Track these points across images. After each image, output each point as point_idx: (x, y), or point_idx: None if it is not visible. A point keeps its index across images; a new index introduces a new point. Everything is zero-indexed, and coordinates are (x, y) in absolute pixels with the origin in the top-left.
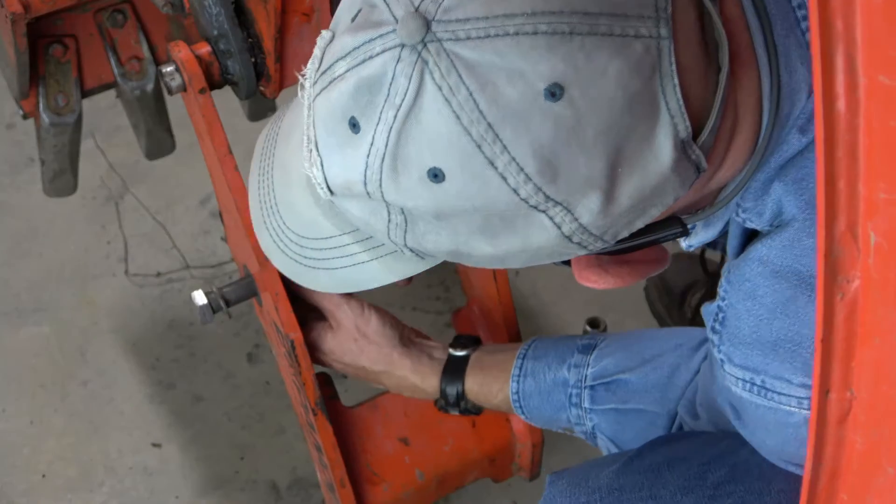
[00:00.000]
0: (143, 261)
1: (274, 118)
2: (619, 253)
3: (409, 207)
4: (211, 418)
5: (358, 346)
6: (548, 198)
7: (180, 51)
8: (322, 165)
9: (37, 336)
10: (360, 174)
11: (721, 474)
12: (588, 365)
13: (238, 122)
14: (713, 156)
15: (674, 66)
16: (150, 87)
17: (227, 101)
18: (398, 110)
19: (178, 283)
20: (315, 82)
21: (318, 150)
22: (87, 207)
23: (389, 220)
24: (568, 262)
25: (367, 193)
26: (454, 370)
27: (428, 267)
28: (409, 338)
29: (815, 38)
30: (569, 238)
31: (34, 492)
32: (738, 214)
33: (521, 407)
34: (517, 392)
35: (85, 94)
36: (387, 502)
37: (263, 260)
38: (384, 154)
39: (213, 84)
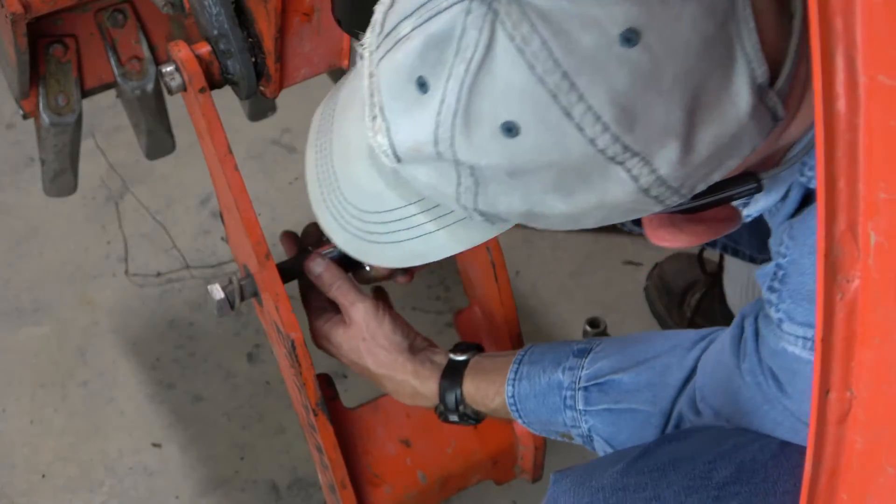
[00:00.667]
0: (143, 261)
1: (328, 96)
2: (693, 211)
3: (482, 165)
4: (211, 418)
5: (366, 346)
6: (625, 148)
7: (180, 50)
8: (388, 131)
9: (37, 336)
10: (431, 134)
11: (726, 474)
12: (582, 367)
13: (238, 122)
14: (787, 106)
15: (749, 10)
16: (150, 86)
17: (227, 101)
18: (469, 64)
19: (178, 283)
20: (377, 47)
21: (383, 116)
22: (87, 207)
23: (459, 184)
24: (639, 223)
25: (438, 154)
26: (453, 374)
27: (498, 233)
28: (417, 346)
29: (815, 37)
30: (646, 192)
31: (34, 492)
32: (802, 174)
33: (517, 410)
34: (513, 395)
35: (85, 94)
36: None
37: (263, 259)
38: (455, 110)
39: (213, 84)
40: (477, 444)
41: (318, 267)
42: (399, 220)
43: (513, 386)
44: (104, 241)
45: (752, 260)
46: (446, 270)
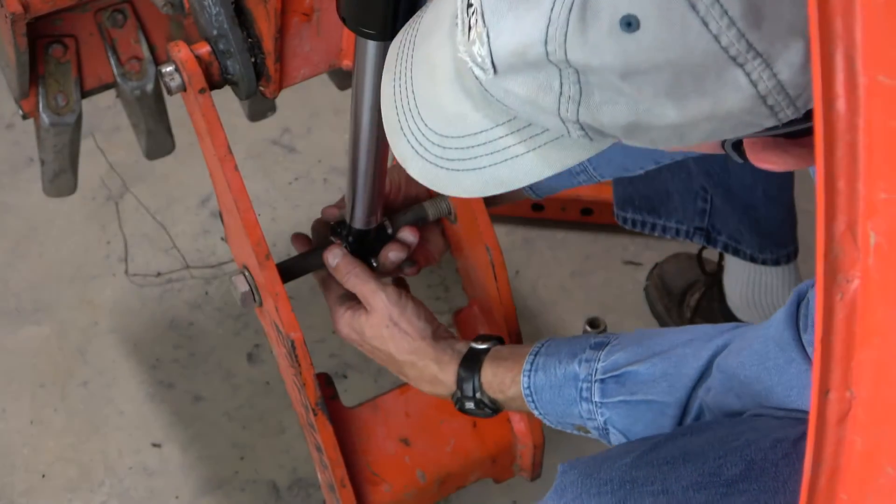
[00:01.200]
0: (143, 261)
1: (407, 25)
2: (797, 136)
3: (594, 67)
4: (211, 418)
5: (389, 332)
6: (749, 46)
7: (180, 51)
8: (488, 38)
9: (37, 336)
10: (541, 32)
11: (736, 472)
12: (599, 360)
13: (238, 122)
14: None
15: None
16: (150, 87)
17: (227, 101)
18: None
19: (178, 283)
20: None
21: (483, 21)
22: (87, 207)
23: (561, 93)
24: (739, 150)
25: (546, 55)
26: (472, 362)
27: (593, 153)
28: (440, 334)
29: (815, 37)
30: (763, 99)
31: (34, 492)
32: None
33: (533, 402)
34: (529, 386)
35: (85, 94)
36: (388, 503)
37: (263, 260)
38: (572, 5)
39: (212, 84)
40: (476, 443)
41: (335, 258)
42: (483, 143)
43: (529, 377)
44: (104, 241)
45: (753, 259)
46: (446, 270)
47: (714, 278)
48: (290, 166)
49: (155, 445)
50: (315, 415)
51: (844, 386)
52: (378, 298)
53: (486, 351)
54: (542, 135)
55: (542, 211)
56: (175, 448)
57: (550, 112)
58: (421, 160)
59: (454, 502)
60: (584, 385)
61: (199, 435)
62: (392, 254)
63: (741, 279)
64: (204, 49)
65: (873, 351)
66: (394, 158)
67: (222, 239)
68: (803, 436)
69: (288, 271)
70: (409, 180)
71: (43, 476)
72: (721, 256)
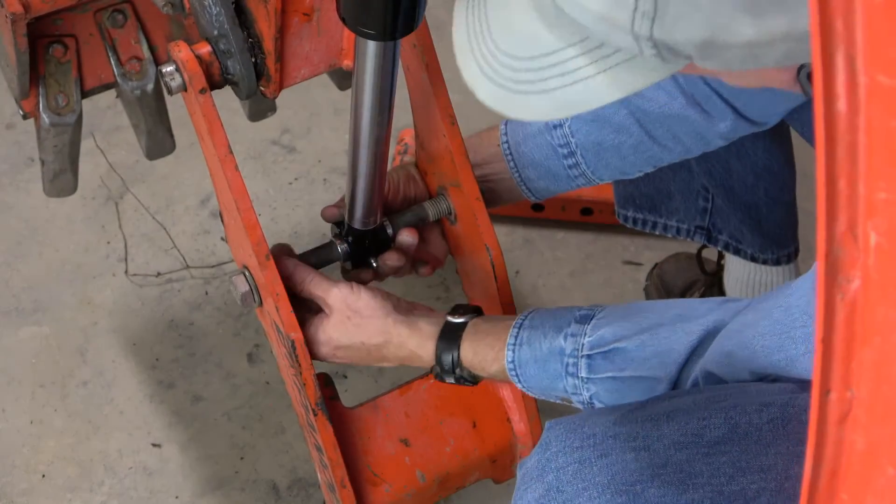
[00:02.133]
0: (143, 261)
1: None
2: None
3: None
4: (211, 418)
5: (353, 323)
6: None
7: (180, 51)
8: None
9: (37, 336)
10: None
11: (719, 434)
12: (585, 334)
13: (238, 122)
14: None
15: None
16: (150, 87)
17: (227, 101)
18: None
19: (178, 283)
20: None
21: None
22: (87, 207)
23: (636, 9)
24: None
25: None
26: (450, 337)
27: (664, 75)
28: (404, 307)
29: (815, 37)
30: None
31: (34, 492)
32: None
33: (517, 376)
34: (513, 361)
35: (85, 94)
36: (388, 503)
37: (263, 260)
38: None
39: (213, 84)
40: (476, 443)
41: (288, 267)
42: (554, 65)
43: (513, 351)
44: (104, 241)
45: (754, 259)
46: (446, 270)
47: (714, 278)
48: (290, 166)
49: (155, 445)
50: (315, 415)
51: (844, 386)
52: (332, 295)
53: (463, 325)
54: (613, 55)
55: (542, 211)
56: (175, 448)
57: (624, 29)
58: (490, 83)
59: (454, 503)
60: (570, 360)
61: (199, 435)
62: (391, 260)
63: (741, 279)
64: (204, 49)
65: (873, 351)
66: (394, 160)
67: (222, 239)
68: (792, 401)
69: None
70: (408, 181)
71: (43, 476)
72: (720, 256)
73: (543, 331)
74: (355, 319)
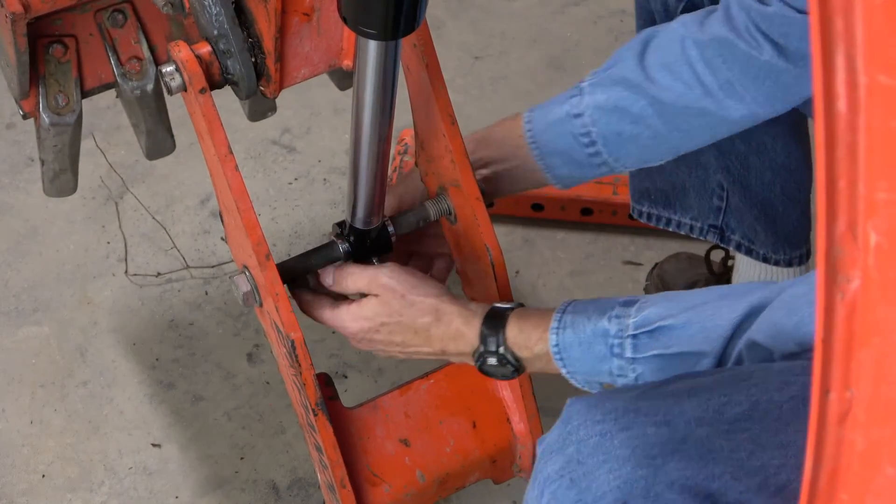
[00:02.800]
0: (142, 261)
1: None
2: None
3: None
4: (211, 418)
5: (406, 300)
6: None
7: (180, 51)
8: None
9: (37, 336)
10: None
11: (739, 411)
12: (630, 315)
13: (238, 122)
14: None
15: None
16: (150, 87)
17: (227, 101)
18: None
19: (178, 283)
20: None
21: None
22: (87, 207)
23: None
24: None
25: None
26: (496, 316)
27: None
28: (451, 294)
29: (815, 37)
30: None
31: (34, 492)
32: None
33: (561, 359)
34: (557, 344)
35: (85, 94)
36: (387, 503)
37: (263, 260)
38: None
39: (213, 84)
40: (475, 444)
41: (329, 274)
42: None
43: (557, 334)
44: (104, 241)
45: (766, 259)
46: None
47: (721, 278)
48: (290, 166)
49: (155, 445)
50: (315, 415)
51: (844, 386)
52: (381, 278)
53: (510, 309)
54: None
55: (542, 211)
56: (175, 448)
57: None
58: None
59: (454, 503)
60: (616, 341)
61: (199, 435)
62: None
63: (752, 280)
64: (204, 49)
65: (873, 351)
66: (394, 160)
67: (222, 239)
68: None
69: (288, 271)
70: (406, 195)
71: (43, 476)
72: (727, 257)
73: (587, 315)
74: (409, 296)
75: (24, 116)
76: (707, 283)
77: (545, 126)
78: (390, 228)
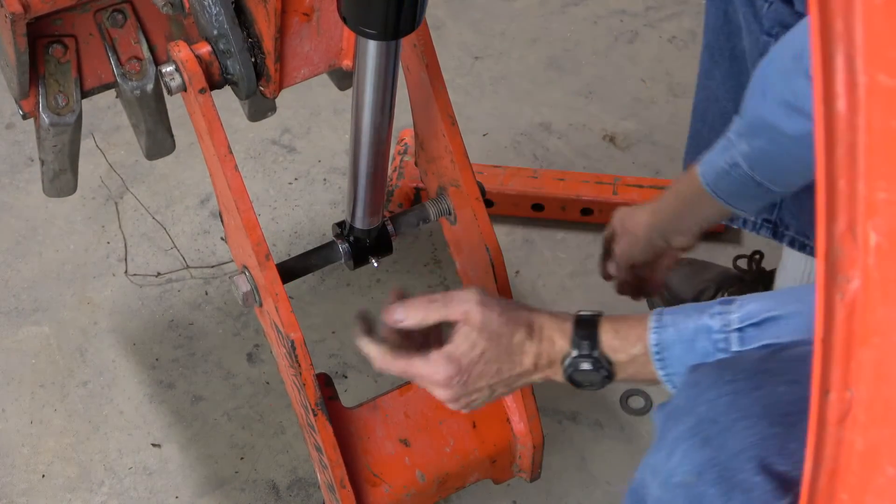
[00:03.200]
0: (142, 261)
1: None
2: None
3: None
4: (211, 418)
5: (504, 317)
6: None
7: (180, 51)
8: None
9: (36, 336)
10: None
11: None
12: (732, 312)
13: (238, 122)
14: None
15: None
16: (150, 87)
17: (227, 101)
18: None
19: (178, 283)
20: None
21: None
22: (87, 207)
23: None
24: None
25: None
26: (586, 324)
27: None
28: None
29: (815, 37)
30: None
31: (34, 492)
32: None
33: (661, 360)
34: (658, 343)
35: (85, 94)
36: (387, 503)
37: (263, 260)
38: None
39: (213, 84)
40: (475, 444)
41: (400, 312)
42: None
43: (657, 333)
44: (104, 241)
45: None
46: (446, 271)
47: (755, 284)
48: (290, 166)
49: (155, 445)
50: (315, 415)
51: (844, 386)
52: (469, 305)
53: (598, 315)
54: None
55: (542, 211)
56: (175, 448)
57: None
58: None
59: (454, 503)
60: (720, 336)
61: (199, 435)
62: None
63: (798, 276)
64: (204, 49)
65: (873, 351)
66: (394, 160)
67: (222, 239)
68: None
69: (288, 271)
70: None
71: (42, 476)
72: (752, 260)
73: (686, 314)
74: (505, 313)
75: (24, 116)
76: (714, 289)
77: (715, 178)
78: (390, 228)
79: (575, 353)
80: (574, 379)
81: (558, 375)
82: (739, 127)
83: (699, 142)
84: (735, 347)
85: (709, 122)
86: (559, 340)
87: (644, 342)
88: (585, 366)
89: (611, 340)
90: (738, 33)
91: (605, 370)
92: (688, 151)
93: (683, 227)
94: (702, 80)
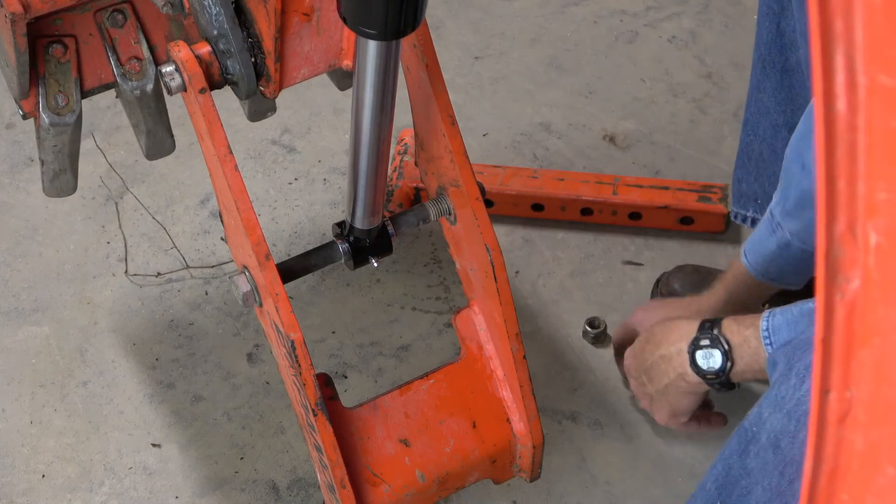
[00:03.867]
0: (142, 261)
1: None
2: None
3: None
4: (211, 418)
5: (668, 307)
6: None
7: (180, 51)
8: None
9: (36, 336)
10: None
11: None
12: None
13: (238, 122)
14: None
15: None
16: (150, 87)
17: (227, 101)
18: None
19: (178, 283)
20: None
21: None
22: (87, 207)
23: None
24: None
25: None
26: (712, 319)
27: None
28: None
29: (815, 37)
30: None
31: (34, 492)
32: None
33: (770, 343)
34: (767, 329)
35: (85, 94)
36: (387, 503)
37: (263, 260)
38: None
39: (213, 84)
40: (475, 444)
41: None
42: None
43: (767, 320)
44: (104, 241)
45: None
46: (446, 271)
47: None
48: (290, 166)
49: (155, 445)
50: (315, 415)
51: (844, 386)
52: (637, 317)
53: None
54: None
55: (542, 211)
56: (175, 448)
57: None
58: None
59: (454, 503)
60: None
61: (199, 435)
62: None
63: None
64: (204, 49)
65: (873, 351)
66: (394, 160)
67: (222, 239)
68: None
69: (288, 271)
70: None
71: (42, 476)
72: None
73: (794, 304)
74: (664, 309)
75: (24, 116)
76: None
77: (766, 263)
78: (390, 229)
79: (697, 334)
80: (695, 362)
81: (681, 366)
82: (784, 207)
83: (750, 154)
84: None
85: (760, 135)
86: (686, 327)
87: (756, 328)
88: (705, 342)
89: (729, 325)
90: (790, 46)
91: (722, 350)
92: (738, 165)
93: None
94: (753, 93)
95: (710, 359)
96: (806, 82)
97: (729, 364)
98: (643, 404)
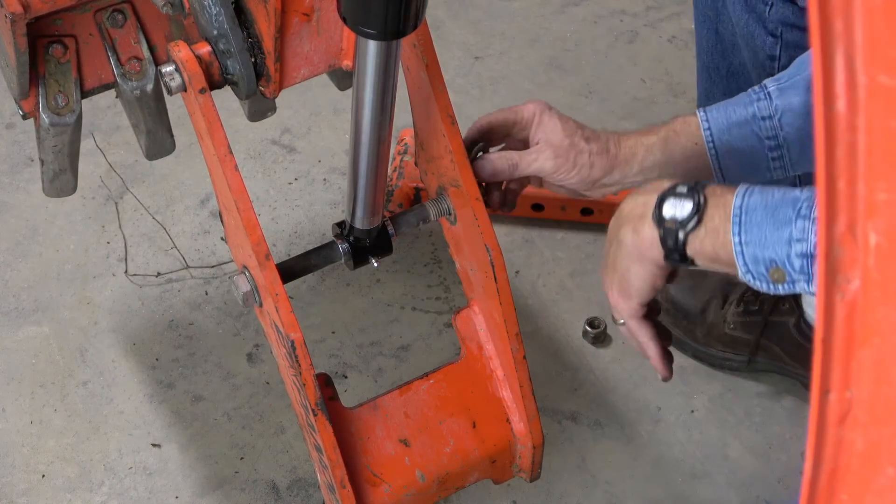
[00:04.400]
0: (142, 261)
1: None
2: None
3: None
4: (211, 418)
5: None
6: None
7: (180, 51)
8: None
9: (36, 336)
10: None
11: None
12: None
13: (238, 122)
14: None
15: None
16: (150, 87)
17: (227, 101)
18: None
19: (178, 283)
20: None
21: None
22: (87, 207)
23: None
24: None
25: None
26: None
27: None
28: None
29: (815, 38)
30: None
31: (34, 492)
32: None
33: (739, 223)
34: (741, 206)
35: (85, 94)
36: (387, 503)
37: (263, 260)
38: None
39: (213, 84)
40: (475, 444)
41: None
42: None
43: (742, 197)
44: (104, 241)
45: None
46: (446, 271)
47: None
48: (290, 166)
49: (155, 445)
50: (315, 415)
51: (844, 386)
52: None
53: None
54: None
55: (542, 211)
56: (175, 448)
57: None
58: None
59: (454, 503)
60: (806, 203)
61: (199, 435)
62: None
63: None
64: (204, 49)
65: (873, 351)
66: (394, 160)
67: (222, 239)
68: None
69: (288, 271)
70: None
71: (42, 476)
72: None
73: (776, 186)
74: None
75: (24, 116)
76: (721, 298)
77: (726, 126)
78: (390, 229)
79: (677, 183)
80: (661, 211)
81: (645, 222)
82: (781, 80)
83: None
84: (816, 214)
85: None
86: (663, 184)
87: (728, 204)
88: (682, 189)
89: (707, 185)
90: (731, 49)
91: (695, 203)
92: None
93: (630, 174)
94: (702, 102)
95: (679, 207)
96: (753, 83)
97: (695, 220)
98: (604, 285)
